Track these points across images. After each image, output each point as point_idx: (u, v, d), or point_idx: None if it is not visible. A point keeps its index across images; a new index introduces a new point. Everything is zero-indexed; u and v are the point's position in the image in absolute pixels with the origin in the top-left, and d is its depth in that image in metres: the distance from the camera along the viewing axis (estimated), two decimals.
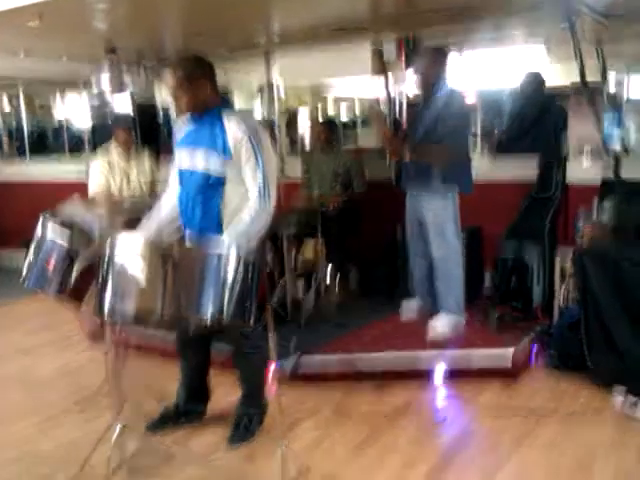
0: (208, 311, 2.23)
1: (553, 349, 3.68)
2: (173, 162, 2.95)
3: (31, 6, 3.38)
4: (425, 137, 3.88)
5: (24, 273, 2.58)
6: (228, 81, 6.97)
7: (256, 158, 2.68)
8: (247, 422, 3.02)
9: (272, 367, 2.81)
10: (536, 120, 4.87)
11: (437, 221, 3.91)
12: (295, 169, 5.29)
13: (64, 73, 6.11)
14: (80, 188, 4.93)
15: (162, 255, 2.22)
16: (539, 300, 4.25)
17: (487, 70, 5.60)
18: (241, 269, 2.28)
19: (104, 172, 4.80)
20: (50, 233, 2.52)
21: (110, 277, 2.24)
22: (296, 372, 3.58)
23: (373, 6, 4.12)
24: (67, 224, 2.79)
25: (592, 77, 3.89)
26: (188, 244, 2.77)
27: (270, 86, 6.71)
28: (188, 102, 2.74)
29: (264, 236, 2.81)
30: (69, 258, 2.48)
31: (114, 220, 3.78)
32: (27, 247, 2.60)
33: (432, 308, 4.10)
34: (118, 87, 5.62)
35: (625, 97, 4.66)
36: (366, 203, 4.77)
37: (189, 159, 2.81)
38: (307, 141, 8.22)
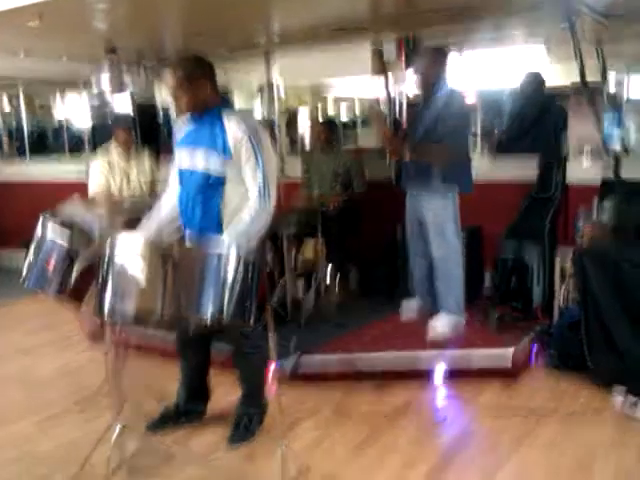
0: (208, 311, 2.23)
1: (553, 349, 3.68)
2: (173, 162, 2.95)
3: (31, 6, 3.38)
4: (425, 137, 3.87)
5: (24, 273, 2.57)
6: (228, 81, 6.97)
7: (256, 158, 2.68)
8: (247, 422, 3.02)
9: (272, 367, 2.81)
10: (536, 120, 4.86)
11: (437, 221, 3.91)
12: (295, 169, 5.29)
13: (64, 73, 6.10)
14: (80, 188, 4.93)
15: (162, 255, 2.21)
16: (539, 300, 4.25)
17: (487, 70, 5.60)
18: (241, 269, 2.28)
19: (104, 172, 4.79)
20: (50, 233, 2.52)
21: (110, 277, 2.24)
22: (296, 372, 3.58)
23: (373, 6, 4.11)
24: (67, 224, 2.79)
25: (592, 77, 3.89)
26: (188, 244, 2.77)
27: (270, 86, 6.71)
28: (188, 102, 2.74)
29: (264, 236, 2.81)
30: (69, 258, 2.48)
31: (114, 220, 3.78)
32: (27, 247, 2.60)
33: (432, 308, 4.10)
34: (118, 87, 5.62)
35: (625, 97, 4.66)
36: (366, 203, 4.77)
37: (189, 159, 2.81)
38: (307, 141, 8.22)
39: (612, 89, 4.48)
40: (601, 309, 3.37)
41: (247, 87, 7.44)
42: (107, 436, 2.70)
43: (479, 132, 5.56)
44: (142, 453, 2.82)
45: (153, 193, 4.81)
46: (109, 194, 4.78)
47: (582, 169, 4.34)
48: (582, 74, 3.75)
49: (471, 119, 4.79)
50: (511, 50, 5.27)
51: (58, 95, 8.07)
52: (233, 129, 2.69)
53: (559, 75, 5.09)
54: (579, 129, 4.29)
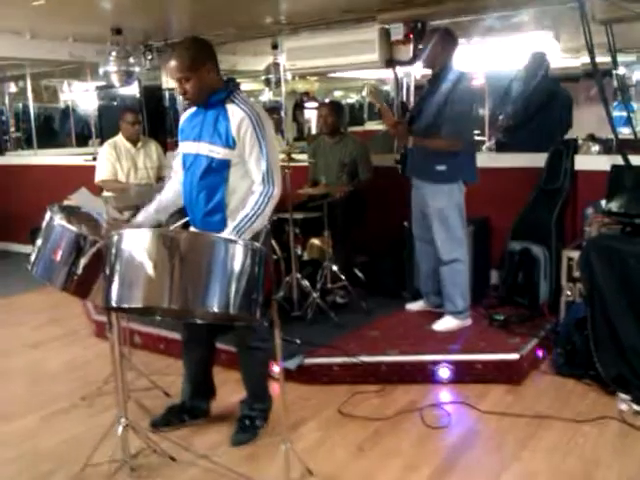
0: (214, 303, 2.22)
1: (560, 347, 3.58)
2: (178, 148, 2.94)
3: None
4: (432, 121, 3.81)
5: (32, 259, 2.57)
6: (236, 62, 6.93)
7: (260, 146, 2.66)
8: (250, 421, 2.99)
9: (276, 366, 2.76)
10: (542, 105, 4.77)
11: (440, 212, 3.81)
12: (302, 153, 5.23)
13: (71, 57, 6.06)
14: (87, 174, 4.93)
15: (169, 247, 2.20)
16: (546, 297, 4.14)
17: (495, 54, 5.52)
18: (248, 259, 2.26)
19: (111, 159, 4.78)
20: (58, 220, 2.51)
21: (117, 268, 2.23)
22: (300, 371, 3.51)
23: None
24: (75, 212, 2.80)
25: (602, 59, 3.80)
26: (193, 231, 2.76)
27: (277, 68, 6.67)
28: (195, 92, 2.70)
29: (269, 229, 2.80)
30: (77, 245, 2.47)
31: (121, 206, 3.78)
32: (35, 235, 2.59)
33: (438, 307, 4.06)
34: (125, 79, 5.60)
35: (635, 80, 4.60)
36: (372, 191, 4.70)
37: (193, 145, 2.79)
38: (314, 124, 8.17)
39: (622, 72, 4.42)
40: (607, 305, 3.31)
41: (254, 69, 7.40)
42: (110, 433, 2.67)
43: (487, 116, 5.49)
44: (145, 451, 2.77)
45: (160, 179, 4.80)
46: (116, 180, 4.78)
47: (591, 156, 4.28)
48: (592, 55, 3.67)
49: (478, 103, 4.69)
50: (520, 35, 5.17)
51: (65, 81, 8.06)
52: (237, 117, 2.66)
53: (568, 59, 5.02)
54: (588, 114, 4.22)
